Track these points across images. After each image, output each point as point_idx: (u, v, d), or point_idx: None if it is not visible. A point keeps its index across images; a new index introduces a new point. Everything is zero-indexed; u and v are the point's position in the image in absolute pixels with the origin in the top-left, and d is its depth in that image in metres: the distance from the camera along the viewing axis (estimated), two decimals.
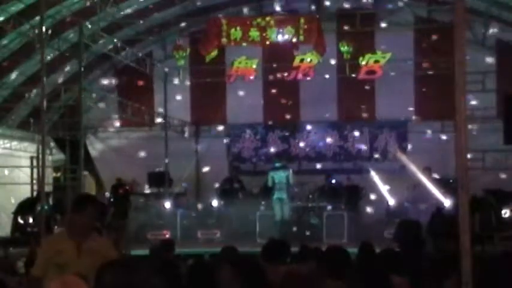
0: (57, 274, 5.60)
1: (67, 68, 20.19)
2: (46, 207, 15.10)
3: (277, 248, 7.38)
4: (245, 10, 21.02)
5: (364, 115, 21.05)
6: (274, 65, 20.45)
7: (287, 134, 21.62)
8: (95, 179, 22.34)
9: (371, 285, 4.88)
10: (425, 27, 19.99)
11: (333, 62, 20.11)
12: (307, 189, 19.21)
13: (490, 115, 19.34)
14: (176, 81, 21.63)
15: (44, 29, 13.40)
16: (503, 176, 19.21)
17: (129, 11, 19.13)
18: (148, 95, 22.21)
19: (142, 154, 21.44)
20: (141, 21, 19.94)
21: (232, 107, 21.50)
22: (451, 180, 17.11)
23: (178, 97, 21.72)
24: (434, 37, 19.48)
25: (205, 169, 21.71)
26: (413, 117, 20.85)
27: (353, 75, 19.76)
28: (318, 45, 18.51)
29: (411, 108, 20.74)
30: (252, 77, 20.12)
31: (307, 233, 17.56)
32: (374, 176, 19.63)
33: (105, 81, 22.35)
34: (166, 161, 20.75)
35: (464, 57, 4.59)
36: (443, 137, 19.78)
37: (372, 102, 20.85)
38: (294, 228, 17.74)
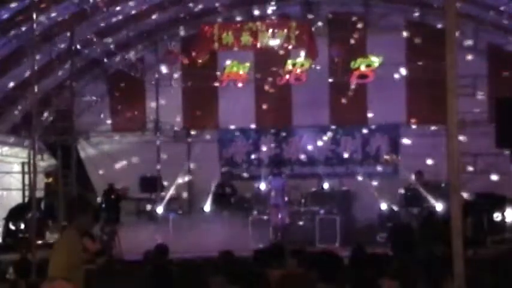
0: (75, 274, 5.69)
1: (59, 73, 20.10)
2: (37, 213, 15.05)
3: (271, 252, 7.37)
4: (237, 15, 20.99)
5: (356, 119, 21.04)
6: (266, 70, 20.45)
7: (279, 138, 21.58)
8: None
9: None
10: (417, 32, 20.02)
11: (325, 66, 20.11)
12: (299, 193, 19.20)
13: (482, 119, 19.39)
14: (168, 86, 21.58)
15: (35, 33, 13.36)
16: (495, 179, 19.23)
17: (120, 16, 19.09)
18: (140, 100, 22.16)
19: (134, 159, 21.35)
20: (133, 26, 19.90)
21: (224, 112, 21.45)
22: (443, 184, 17.14)
23: (170, 102, 21.65)
24: (425, 41, 19.49)
25: (197, 174, 21.64)
26: (405, 121, 20.85)
27: (345, 80, 19.79)
28: (309, 49, 18.58)
29: (403, 113, 20.74)
30: (243, 82, 20.15)
31: (300, 238, 17.55)
32: (366, 180, 19.64)
33: (96, 86, 22.27)
34: (158, 165, 20.70)
35: (456, 62, 4.60)
36: (435, 141, 19.78)
37: (364, 106, 20.84)
38: (287, 233, 17.75)
